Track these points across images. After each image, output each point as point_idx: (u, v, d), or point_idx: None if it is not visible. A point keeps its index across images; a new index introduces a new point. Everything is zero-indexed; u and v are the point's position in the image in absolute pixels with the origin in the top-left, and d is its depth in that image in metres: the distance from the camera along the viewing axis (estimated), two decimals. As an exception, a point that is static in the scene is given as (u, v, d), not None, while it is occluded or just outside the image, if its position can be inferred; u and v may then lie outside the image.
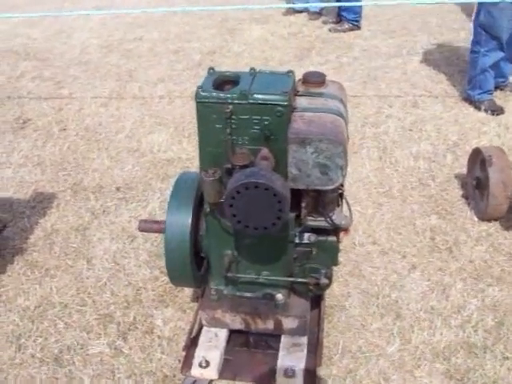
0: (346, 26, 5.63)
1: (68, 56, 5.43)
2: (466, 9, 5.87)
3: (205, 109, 1.93)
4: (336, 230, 2.16)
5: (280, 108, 1.87)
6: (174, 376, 2.29)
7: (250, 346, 2.36)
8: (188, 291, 2.68)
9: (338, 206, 2.17)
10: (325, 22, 5.89)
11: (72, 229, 3.12)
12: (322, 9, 6.09)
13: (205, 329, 2.33)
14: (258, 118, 1.90)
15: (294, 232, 2.10)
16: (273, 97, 1.87)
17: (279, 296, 2.22)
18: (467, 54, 4.44)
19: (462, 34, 5.42)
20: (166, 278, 2.75)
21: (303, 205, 2.01)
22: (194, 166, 3.59)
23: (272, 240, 2.09)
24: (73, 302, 2.66)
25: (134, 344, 2.44)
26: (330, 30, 5.69)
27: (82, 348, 2.43)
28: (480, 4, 3.90)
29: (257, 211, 1.78)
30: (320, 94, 2.06)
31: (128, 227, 3.10)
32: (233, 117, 1.90)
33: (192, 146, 3.79)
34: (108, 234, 3.06)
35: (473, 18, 4.06)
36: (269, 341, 2.35)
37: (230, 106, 1.89)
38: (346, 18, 5.63)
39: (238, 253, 2.15)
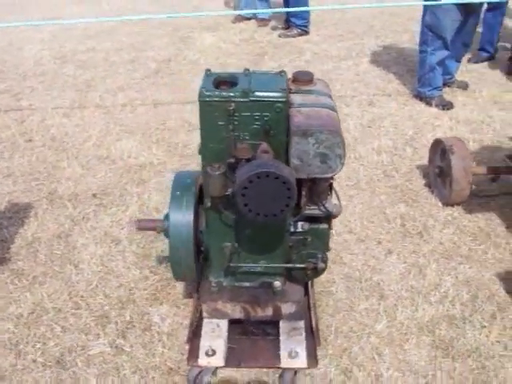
0: (295, 32, 5.85)
1: (22, 68, 5.37)
2: (407, 11, 6.21)
3: (208, 107, 2.04)
4: (328, 217, 2.31)
5: (279, 104, 2.01)
6: (179, 368, 2.36)
7: (249, 334, 2.48)
8: (179, 288, 2.76)
9: (329, 194, 2.32)
10: (274, 28, 6.10)
11: (54, 236, 3.13)
12: (269, 15, 6.29)
13: (206, 320, 2.42)
14: (259, 114, 2.03)
15: (289, 221, 2.24)
16: (272, 94, 2.01)
17: (277, 283, 2.35)
18: (413, 55, 4.74)
19: (405, 36, 5.75)
20: (156, 277, 2.84)
21: (303, 193, 2.15)
22: (167, 169, 3.68)
23: (269, 230, 2.22)
24: (66, 306, 2.69)
25: (135, 341, 2.50)
26: (279, 36, 5.89)
27: (82, 349, 2.47)
28: (425, 6, 4.18)
29: (267, 199, 1.90)
30: (311, 91, 2.20)
31: (111, 232, 3.15)
32: (235, 114, 2.02)
33: (162, 151, 3.87)
34: (91, 239, 3.10)
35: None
36: (265, 328, 2.48)
37: (233, 104, 2.01)
38: (295, 23, 5.85)
39: (237, 244, 2.28)
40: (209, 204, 2.22)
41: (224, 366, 2.31)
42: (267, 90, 2.02)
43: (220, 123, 2.06)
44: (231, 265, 2.29)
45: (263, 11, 6.06)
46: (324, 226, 2.32)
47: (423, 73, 4.33)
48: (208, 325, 2.41)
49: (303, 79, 2.24)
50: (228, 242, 2.27)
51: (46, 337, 2.53)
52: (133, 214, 3.27)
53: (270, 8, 6.20)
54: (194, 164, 3.71)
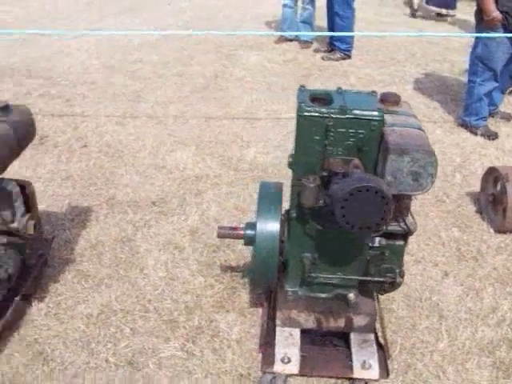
0: (338, 55, 5.97)
1: (72, 75, 5.49)
2: (443, 41, 6.35)
3: (306, 122, 2.12)
4: (405, 234, 2.38)
5: (375, 123, 2.10)
6: (250, 374, 2.41)
7: (317, 344, 2.54)
8: (244, 297, 2.82)
9: (409, 212, 2.40)
10: (316, 51, 6.22)
11: (116, 240, 3.20)
12: (312, 38, 6.42)
13: (279, 328, 2.48)
14: (354, 131, 2.12)
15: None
16: (369, 112, 2.10)
17: (351, 295, 2.41)
18: (454, 84, 4.85)
19: (445, 65, 5.87)
20: (221, 286, 2.90)
21: (390, 210, 2.22)
22: (223, 182, 3.75)
23: (350, 243, 2.30)
24: (134, 308, 2.74)
25: (205, 347, 2.55)
26: (322, 59, 6.01)
27: (153, 352, 2.52)
28: (478, 38, 4.29)
29: (364, 212, 1.97)
30: (398, 112, 2.29)
31: (173, 239, 3.21)
32: (331, 130, 2.11)
33: (216, 164, 3.95)
34: (154, 245, 3.16)
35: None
36: (333, 339, 2.54)
37: (330, 120, 2.10)
38: (339, 47, 5.98)
39: (317, 255, 2.35)
40: (294, 214, 2.30)
41: (298, 374, 2.37)
42: (364, 109, 2.11)
43: (315, 138, 2.14)
44: (309, 275, 2.36)
45: (308, 34, 6.19)
46: (400, 242, 2.39)
47: (470, 102, 4.43)
48: (281, 333, 2.47)
49: (391, 100, 2.33)
50: (308, 253, 2.35)
51: (116, 337, 2.59)
52: (193, 223, 3.34)
53: (313, 31, 6.34)
54: (249, 178, 3.79)
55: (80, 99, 4.95)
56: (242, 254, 3.10)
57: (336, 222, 2.01)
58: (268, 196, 2.38)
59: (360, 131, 2.11)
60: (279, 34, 6.45)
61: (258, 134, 4.40)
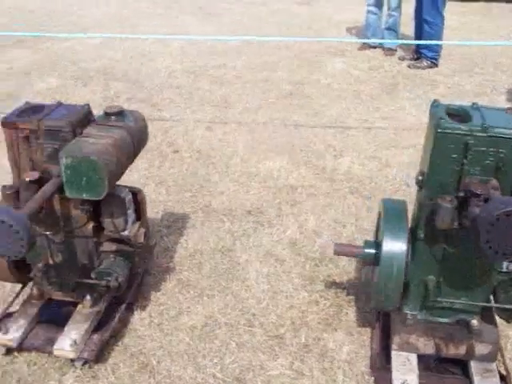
0: (425, 64, 5.79)
1: (157, 80, 5.52)
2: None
3: (445, 139, 2.01)
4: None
5: (518, 142, 1.97)
6: None
7: (433, 370, 2.41)
8: (351, 315, 2.72)
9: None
10: (402, 59, 6.05)
11: (215, 250, 3.15)
12: (397, 45, 6.26)
13: (395, 353, 2.37)
14: (494, 150, 1.99)
15: (498, 260, 2.17)
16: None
17: (474, 322, 2.28)
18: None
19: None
20: (327, 302, 2.81)
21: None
22: (319, 193, 3.66)
23: (478, 267, 2.17)
24: (239, 322, 2.69)
25: (314, 366, 2.46)
26: (409, 67, 5.84)
27: (261, 369, 2.45)
28: None
29: (509, 238, 1.85)
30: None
31: (273, 251, 3.14)
32: (471, 148, 1.99)
33: (310, 174, 3.86)
34: (254, 256, 3.10)
35: None
36: (447, 365, 2.41)
37: (470, 138, 1.98)
38: (426, 55, 5.79)
39: (442, 278, 2.23)
40: (422, 235, 2.19)
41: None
42: (506, 127, 1.98)
43: (453, 156, 2.03)
44: (433, 299, 2.24)
45: (390, 41, 6.03)
46: (528, 269, 2.25)
47: None
48: (398, 357, 2.36)
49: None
50: (432, 275, 2.23)
51: (222, 352, 2.54)
52: (292, 235, 3.26)
53: (398, 37, 6.18)
54: (346, 190, 3.69)
55: (167, 104, 4.95)
56: (344, 269, 3.00)
57: (471, 246, 1.90)
58: (393, 215, 2.27)
59: (501, 150, 1.99)
60: (363, 41, 6.30)
61: (349, 143, 4.28)
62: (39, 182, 2.26)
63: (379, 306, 2.34)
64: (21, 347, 2.48)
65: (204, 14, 8.26)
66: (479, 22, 7.78)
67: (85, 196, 2.21)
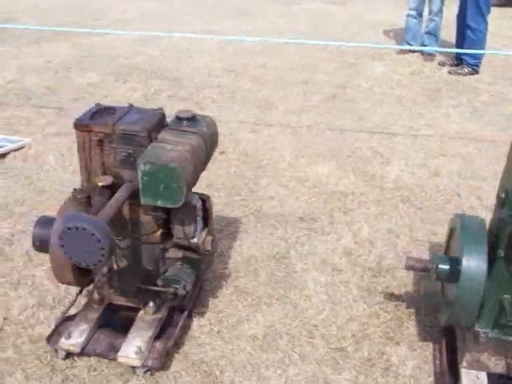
0: (466, 70, 5.72)
1: (197, 78, 5.49)
2: None
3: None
4: None
5: None
6: None
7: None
8: (412, 329, 2.67)
9: None
10: (442, 64, 5.99)
11: (270, 257, 3.11)
12: (435, 50, 6.20)
13: (464, 371, 2.32)
14: None
15: None
16: None
17: (546, 344, 2.24)
18: None
19: None
20: (387, 315, 2.76)
21: None
22: (369, 200, 3.61)
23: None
24: (300, 333, 2.64)
25: (379, 381, 2.42)
26: (449, 73, 5.77)
27: (325, 382, 2.41)
28: None
29: None
30: None
31: (329, 259, 3.10)
32: None
33: (360, 181, 3.81)
34: (310, 264, 3.06)
35: None
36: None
37: None
38: (467, 61, 5.72)
39: (518, 299, 2.18)
40: (502, 254, 2.14)
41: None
42: None
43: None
44: (509, 318, 2.19)
45: (431, 49, 5.94)
46: None
47: None
48: (467, 375, 2.31)
49: None
50: (508, 295, 2.19)
51: (285, 363, 2.49)
52: (347, 244, 3.21)
53: (438, 42, 6.10)
54: (397, 198, 3.63)
55: (209, 103, 4.91)
56: (402, 281, 2.96)
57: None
58: (473, 232, 2.22)
59: None
60: (404, 48, 6.22)
61: (396, 150, 4.23)
62: (111, 187, 2.23)
63: (454, 322, 2.29)
64: (82, 352, 2.45)
65: (238, 12, 8.22)
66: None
67: (160, 203, 2.17)
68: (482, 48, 5.62)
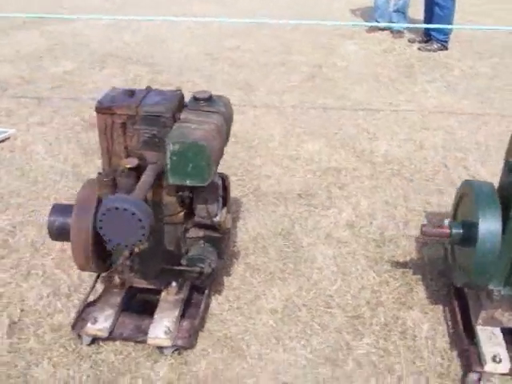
0: (436, 46, 5.88)
1: (174, 62, 5.45)
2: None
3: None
4: None
5: None
6: (449, 373, 2.39)
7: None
8: (422, 294, 2.79)
9: None
10: (411, 41, 6.14)
11: (276, 233, 3.17)
12: (405, 27, 6.34)
13: (480, 328, 2.45)
14: None
15: None
16: None
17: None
18: None
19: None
20: (396, 282, 2.87)
21: None
22: (363, 175, 3.71)
23: None
24: (317, 304, 2.72)
25: (398, 344, 2.52)
26: (419, 49, 5.93)
27: (349, 348, 2.50)
28: None
29: None
30: None
31: (333, 233, 3.18)
32: None
33: (351, 156, 3.91)
34: (316, 239, 3.14)
35: None
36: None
37: None
38: (437, 38, 5.89)
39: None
40: (512, 214, 2.28)
41: (509, 374, 2.34)
42: None
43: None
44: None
45: (399, 25, 6.08)
46: None
47: None
48: (483, 332, 2.44)
49: None
50: (520, 254, 2.32)
51: (307, 333, 2.57)
52: (348, 217, 3.31)
53: (406, 20, 6.25)
54: (389, 172, 3.75)
55: (192, 86, 4.88)
56: (406, 249, 3.07)
57: None
58: (486, 195, 2.33)
59: None
60: (371, 24, 6.33)
61: (381, 126, 4.34)
62: (137, 170, 2.24)
63: (470, 284, 2.41)
64: (109, 337, 2.46)
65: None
66: (478, 5, 7.91)
67: (188, 183, 2.19)
68: (450, 24, 5.79)
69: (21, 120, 4.31)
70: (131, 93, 2.34)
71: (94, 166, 3.75)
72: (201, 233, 2.50)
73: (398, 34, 6.31)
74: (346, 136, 4.18)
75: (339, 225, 3.26)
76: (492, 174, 3.73)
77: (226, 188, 2.56)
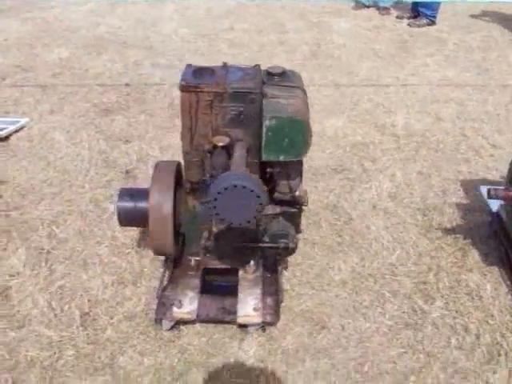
0: (424, 21, 6.01)
1: (172, 45, 5.36)
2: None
3: None
4: None
5: None
6: None
7: None
8: (477, 257, 2.86)
9: None
10: (400, 17, 6.24)
11: (323, 208, 3.21)
12: (391, 4, 6.43)
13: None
14: None
15: None
16: None
17: None
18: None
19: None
20: (450, 247, 2.96)
21: None
22: (390, 148, 3.79)
23: None
24: (383, 273, 2.78)
25: (467, 305, 2.59)
26: (409, 25, 6.04)
27: (423, 312, 2.56)
28: None
29: None
30: None
31: (378, 205, 3.25)
32: None
33: (374, 131, 3.99)
34: (364, 211, 3.19)
35: None
36: None
37: None
38: (425, 13, 6.01)
39: None
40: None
41: None
42: None
43: None
44: None
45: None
46: None
47: None
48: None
49: None
50: None
51: (380, 301, 2.62)
52: (389, 189, 3.37)
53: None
54: (413, 144, 3.84)
55: (196, 69, 4.83)
56: (451, 216, 3.17)
57: None
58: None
59: None
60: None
61: (394, 100, 4.43)
62: (226, 148, 2.22)
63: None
64: (196, 319, 2.42)
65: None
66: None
67: (282, 158, 2.20)
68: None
69: (30, 109, 4.15)
70: (209, 70, 2.31)
71: (120, 152, 3.68)
72: (278, 209, 2.50)
73: (384, 10, 6.40)
74: (364, 111, 4.24)
75: (382, 196, 3.32)
76: (509, 142, 3.89)
77: (300, 161, 2.56)
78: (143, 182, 3.35)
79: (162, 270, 2.65)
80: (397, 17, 6.30)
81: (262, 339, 2.41)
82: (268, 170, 2.32)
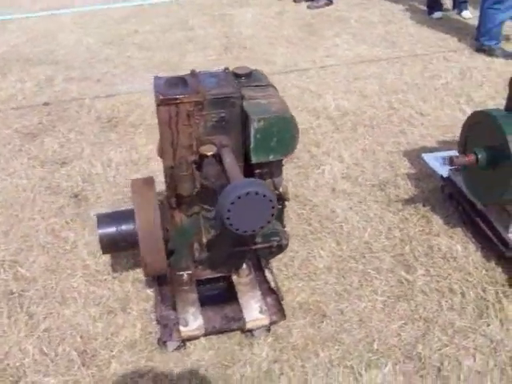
0: (322, 2, 6.17)
1: (79, 56, 5.10)
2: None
3: None
4: None
5: None
6: (497, 280, 2.69)
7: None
8: (440, 221, 3.03)
9: None
10: (297, 1, 6.35)
11: (285, 199, 3.24)
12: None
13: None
14: None
15: None
16: None
17: None
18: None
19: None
20: (413, 217, 3.09)
21: None
22: (329, 130, 3.89)
23: None
24: (362, 253, 2.85)
25: (445, 268, 2.74)
26: (308, 7, 6.17)
27: (409, 283, 2.67)
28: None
29: None
30: None
31: (336, 187, 3.33)
32: None
33: (309, 116, 4.07)
34: (325, 195, 3.25)
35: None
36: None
37: None
38: (321, -6, 6.19)
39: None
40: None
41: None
42: None
43: None
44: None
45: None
46: None
47: (491, 27, 4.89)
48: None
49: None
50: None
51: (367, 279, 2.70)
52: (341, 170, 3.46)
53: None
54: (350, 123, 3.96)
55: (111, 77, 4.65)
56: (406, 188, 3.32)
57: None
58: (504, 117, 2.61)
59: None
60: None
61: (318, 82, 4.54)
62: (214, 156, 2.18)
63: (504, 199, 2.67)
64: (205, 333, 2.37)
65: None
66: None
67: (272, 158, 2.19)
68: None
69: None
70: (181, 80, 2.24)
71: (61, 175, 3.49)
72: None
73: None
74: (292, 97, 4.30)
75: (337, 179, 3.41)
76: (434, 108, 4.13)
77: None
78: (98, 204, 3.22)
79: (152, 290, 2.58)
80: (294, 1, 6.42)
81: (270, 340, 2.41)
82: (256, 171, 2.30)
